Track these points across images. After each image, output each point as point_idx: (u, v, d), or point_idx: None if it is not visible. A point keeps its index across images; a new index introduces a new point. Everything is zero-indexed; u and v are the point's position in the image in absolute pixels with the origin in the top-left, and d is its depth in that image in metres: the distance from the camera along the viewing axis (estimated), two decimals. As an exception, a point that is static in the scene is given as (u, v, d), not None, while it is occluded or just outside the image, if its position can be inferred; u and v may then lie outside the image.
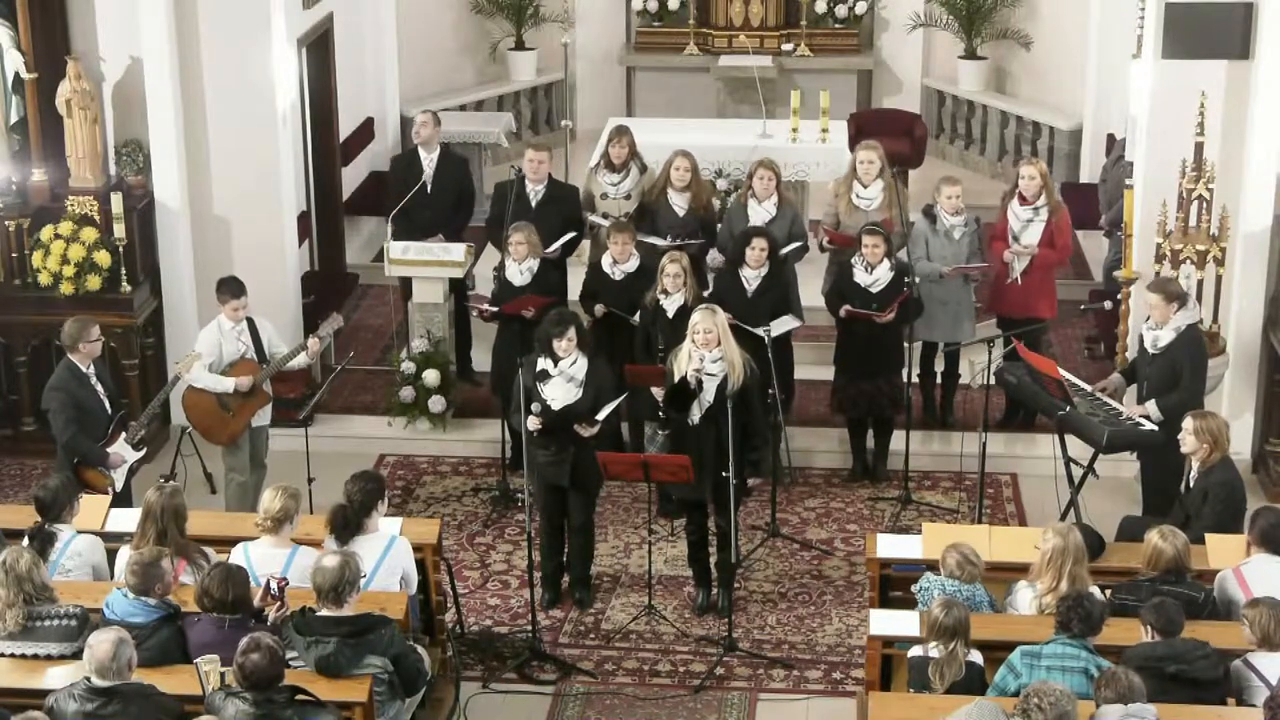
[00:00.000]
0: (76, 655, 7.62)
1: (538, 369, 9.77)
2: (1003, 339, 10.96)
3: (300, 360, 10.74)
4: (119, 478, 10.11)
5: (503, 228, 11.54)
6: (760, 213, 11.79)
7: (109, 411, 10.16)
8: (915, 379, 11.75)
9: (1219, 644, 7.63)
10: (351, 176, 15.04)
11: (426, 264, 12.09)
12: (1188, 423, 9.26)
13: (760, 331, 10.81)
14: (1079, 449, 10.37)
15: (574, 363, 9.77)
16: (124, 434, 10.16)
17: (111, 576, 8.64)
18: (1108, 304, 12.55)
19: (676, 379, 9.69)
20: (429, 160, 12.52)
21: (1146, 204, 11.22)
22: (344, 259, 14.67)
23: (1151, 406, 10.14)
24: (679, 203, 12.01)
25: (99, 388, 10.11)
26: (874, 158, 12.02)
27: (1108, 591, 8.21)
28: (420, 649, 8.35)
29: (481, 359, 12.50)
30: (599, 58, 17.63)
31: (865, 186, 12.00)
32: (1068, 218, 11.89)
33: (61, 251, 11.59)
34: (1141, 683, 7.11)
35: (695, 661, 9.69)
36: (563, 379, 9.75)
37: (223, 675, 7.38)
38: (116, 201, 11.49)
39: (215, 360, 10.46)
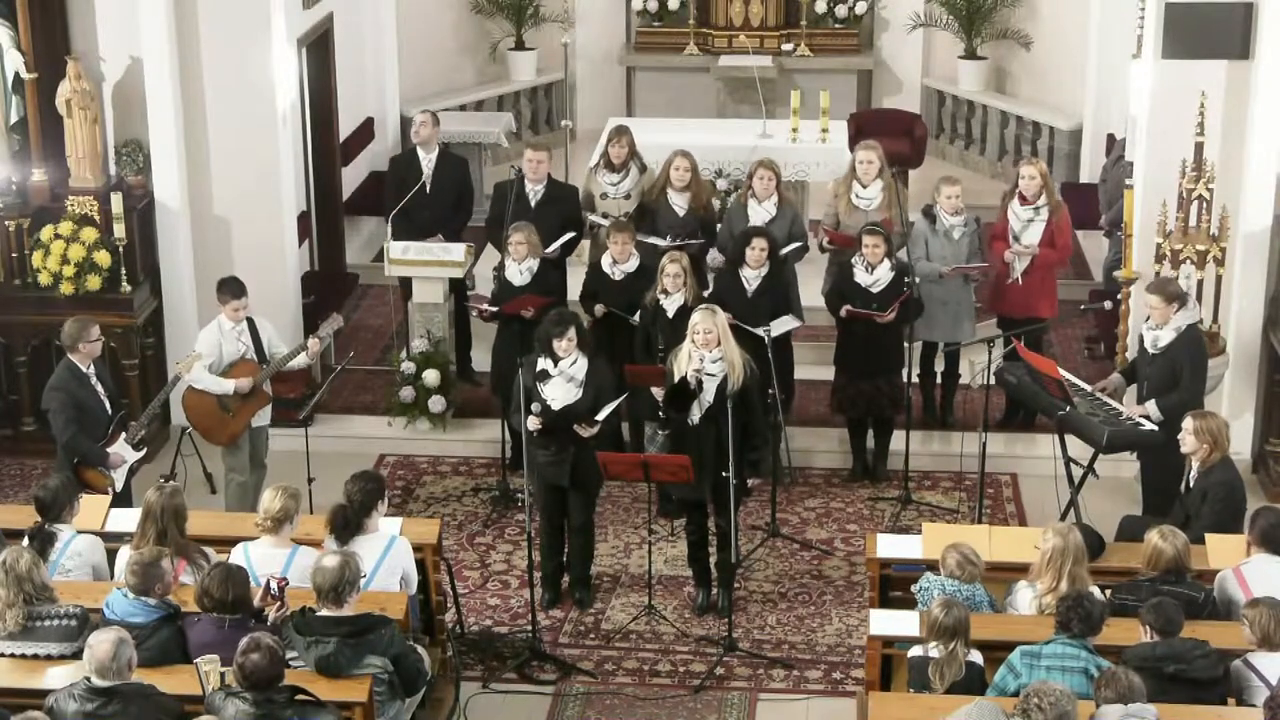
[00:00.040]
0: (76, 655, 7.62)
1: (538, 369, 9.77)
2: (1003, 339, 10.97)
3: (300, 360, 10.74)
4: (119, 478, 10.11)
5: (502, 228, 11.54)
6: (760, 213, 11.80)
7: (109, 411, 10.16)
8: (915, 379, 11.75)
9: (1219, 644, 7.63)
10: (351, 176, 15.04)
11: (426, 264, 12.09)
12: (1188, 423, 9.26)
13: (760, 331, 10.81)
14: (1079, 449, 10.37)
15: (574, 363, 9.77)
16: (124, 434, 10.16)
17: (111, 576, 8.64)
18: (1108, 304, 12.54)
19: (676, 379, 9.69)
20: (428, 160, 12.52)
21: (1146, 204, 11.22)
22: (344, 259, 14.67)
23: (1151, 406, 10.14)
24: (679, 203, 12.01)
25: (99, 388, 10.11)
26: (873, 158, 12.02)
27: (1108, 591, 8.20)
28: (420, 649, 8.35)
29: (481, 359, 12.50)
30: (599, 58, 17.63)
31: (865, 186, 12.00)
32: (1068, 217, 11.89)
33: (61, 251, 11.59)
34: (1141, 683, 7.11)
35: (695, 661, 9.69)
36: (563, 379, 9.75)
37: (223, 675, 7.38)
38: (116, 201, 11.49)
39: (215, 360, 10.46)
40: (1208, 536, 8.84)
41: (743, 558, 10.45)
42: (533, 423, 9.68)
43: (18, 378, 11.91)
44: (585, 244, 12.50)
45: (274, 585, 7.91)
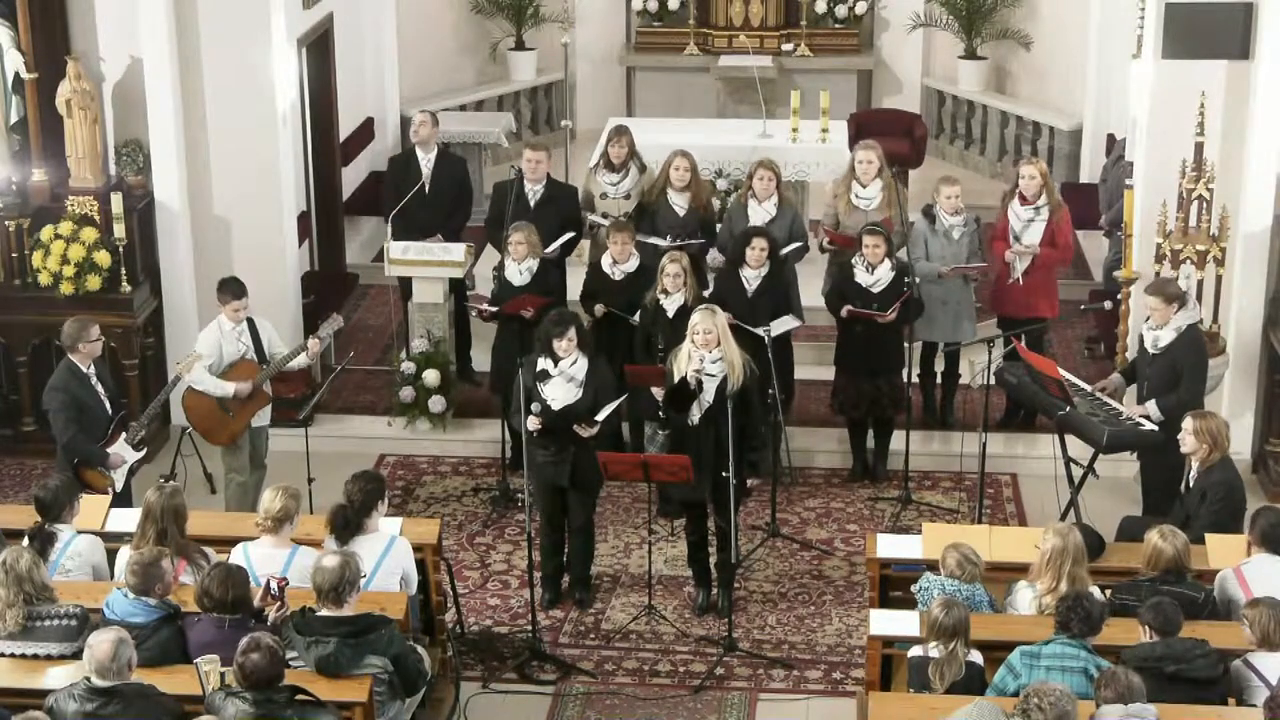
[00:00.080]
0: (76, 655, 7.62)
1: (538, 369, 9.77)
2: (1003, 339, 10.97)
3: (300, 361, 10.74)
4: (119, 478, 10.11)
5: (502, 228, 11.54)
6: (760, 213, 11.80)
7: (109, 412, 10.16)
8: (915, 379, 11.75)
9: (1219, 644, 7.63)
10: (351, 176, 15.04)
11: (426, 264, 12.08)
12: (1188, 423, 9.26)
13: (760, 331, 10.81)
14: (1079, 449, 10.37)
15: (574, 363, 9.77)
16: (124, 434, 10.16)
17: (111, 576, 8.64)
18: (1108, 304, 12.55)
19: (676, 379, 9.69)
20: (426, 160, 12.51)
21: (1146, 204, 11.22)
22: (344, 259, 14.67)
23: (1151, 406, 10.14)
24: (679, 203, 12.01)
25: (99, 388, 10.11)
26: (872, 157, 12.02)
27: (1108, 591, 8.21)
28: (420, 649, 8.35)
29: (481, 359, 12.50)
30: (599, 58, 17.64)
31: (864, 186, 12.00)
32: (1068, 217, 11.89)
33: (61, 251, 11.59)
34: (1141, 682, 7.11)
35: (695, 661, 9.69)
36: (563, 379, 9.75)
37: (223, 675, 7.38)
38: (116, 201, 11.49)
39: (215, 361, 10.46)
40: (1208, 536, 8.84)
41: (743, 558, 10.45)
42: (533, 423, 9.68)
43: (18, 378, 11.90)
44: (585, 244, 12.50)
45: (274, 585, 7.91)
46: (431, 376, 12.01)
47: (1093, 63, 15.63)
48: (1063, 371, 10.41)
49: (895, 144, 14.89)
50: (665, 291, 10.81)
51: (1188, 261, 10.99)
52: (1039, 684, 6.93)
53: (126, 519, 9.01)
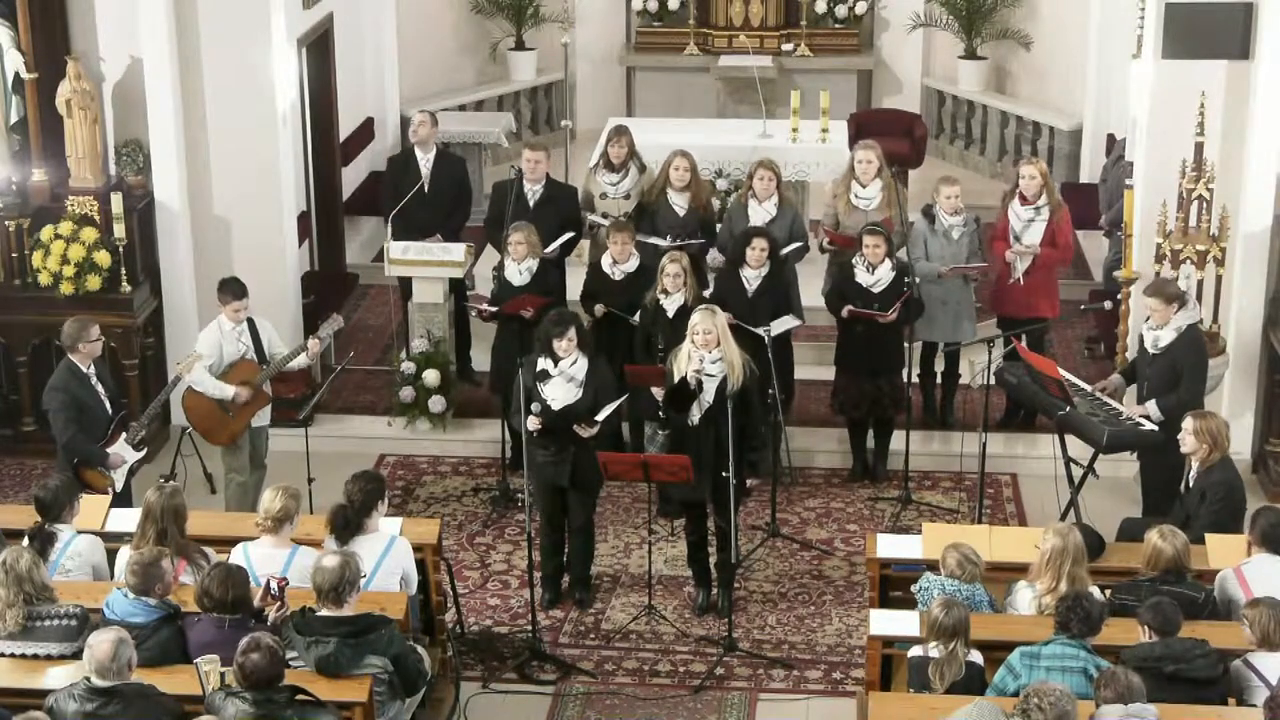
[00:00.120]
0: (76, 655, 7.62)
1: (538, 369, 9.77)
2: (1002, 339, 10.97)
3: (300, 361, 10.74)
4: (119, 478, 10.11)
5: (501, 228, 11.54)
6: (761, 213, 11.79)
7: (109, 412, 10.16)
8: (915, 379, 11.75)
9: (1219, 644, 7.63)
10: (351, 176, 15.04)
11: (426, 264, 12.08)
12: (1188, 423, 9.26)
13: (760, 331, 10.81)
14: (1079, 449, 10.37)
15: (574, 363, 9.77)
16: (124, 434, 10.16)
17: (111, 576, 8.64)
18: (1108, 304, 12.55)
19: (676, 379, 9.69)
20: (425, 160, 12.52)
21: (1146, 204, 11.22)
22: (344, 259, 14.67)
23: (1151, 406, 10.14)
24: (679, 203, 12.01)
25: (99, 388, 10.11)
26: (871, 157, 12.02)
27: (1107, 591, 8.21)
28: (420, 649, 8.35)
29: (481, 359, 12.50)
30: (599, 58, 17.64)
31: (864, 186, 12.00)
32: (1069, 217, 11.89)
33: (61, 251, 11.59)
34: (1141, 682, 7.11)
35: (695, 661, 9.69)
36: (563, 379, 9.75)
37: (223, 675, 7.38)
38: (116, 201, 11.49)
39: (216, 361, 10.46)
40: (1208, 536, 8.84)
41: (743, 558, 10.45)
42: (532, 423, 9.68)
43: (18, 378, 11.90)
44: (585, 244, 12.50)
45: (274, 585, 7.91)
46: (431, 376, 12.01)
47: (1093, 63, 15.63)
48: (1063, 371, 10.42)
49: (895, 144, 14.89)
50: (665, 291, 10.81)
51: (1188, 261, 10.99)
52: (1039, 684, 6.93)
53: (126, 519, 9.01)
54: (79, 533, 8.74)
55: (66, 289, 11.61)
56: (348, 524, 8.50)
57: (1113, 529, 9.56)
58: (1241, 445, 11.32)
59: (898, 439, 11.48)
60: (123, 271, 11.65)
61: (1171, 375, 10.17)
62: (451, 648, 9.31)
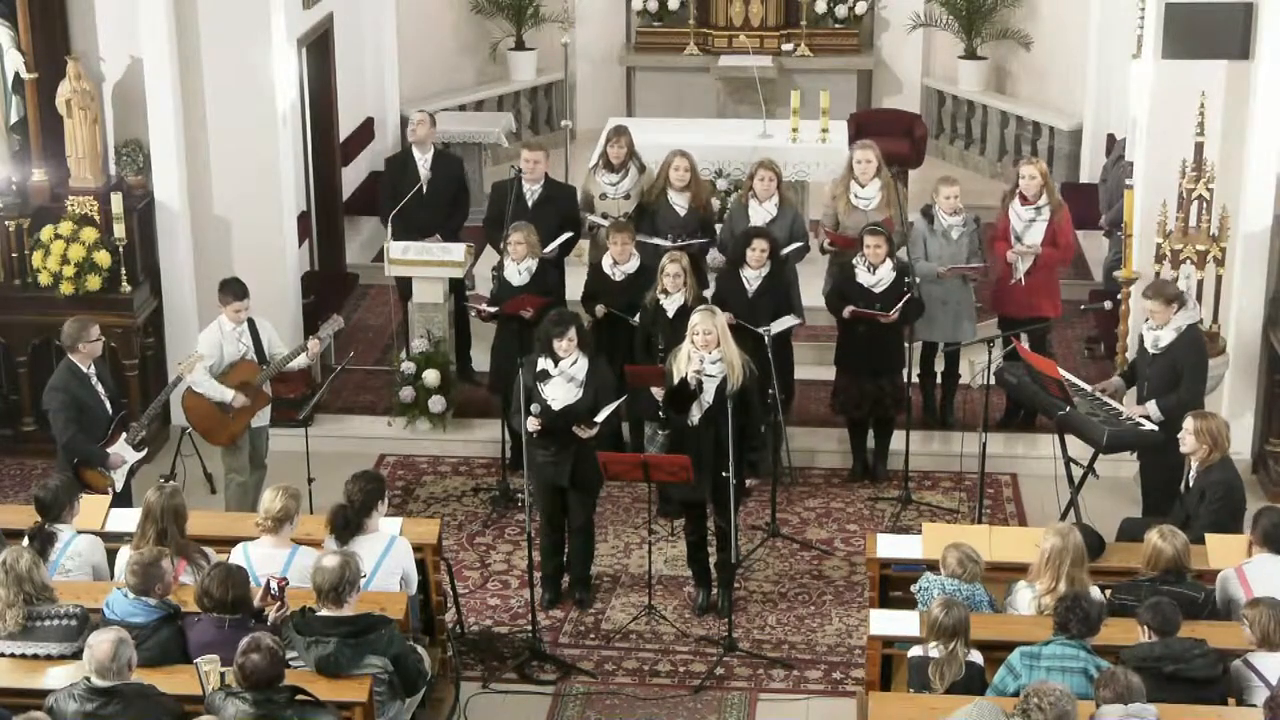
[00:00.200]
0: (76, 655, 7.62)
1: (538, 369, 9.77)
2: (1002, 339, 10.97)
3: (300, 361, 10.74)
4: (119, 478, 10.11)
5: (500, 228, 11.54)
6: (761, 213, 11.79)
7: (109, 412, 10.16)
8: (915, 379, 11.75)
9: (1219, 644, 7.63)
10: (351, 176, 15.04)
11: (426, 264, 12.09)
12: (1188, 423, 9.26)
13: (760, 330, 10.81)
14: (1079, 449, 10.38)
15: (574, 363, 9.77)
16: (124, 434, 10.16)
17: (111, 576, 8.64)
18: (1108, 304, 12.56)
19: (676, 380, 9.69)
20: (424, 160, 12.52)
21: (1146, 204, 11.22)
22: (344, 259, 14.67)
23: (1151, 406, 10.14)
24: (679, 203, 12.00)
25: (99, 388, 10.11)
26: (870, 157, 12.02)
27: (1107, 591, 8.21)
28: (420, 649, 8.35)
29: (481, 359, 12.50)
30: (599, 58, 17.64)
31: (863, 186, 12.00)
32: (1069, 217, 11.89)
33: (61, 251, 11.59)
34: (1141, 682, 7.11)
35: (695, 661, 9.69)
36: (563, 379, 9.74)
37: (223, 675, 7.38)
38: (116, 201, 11.49)
39: (216, 361, 10.46)
40: (1208, 536, 8.84)
41: (743, 558, 10.45)
42: (532, 423, 9.68)
43: (18, 378, 11.90)
44: (585, 244, 12.50)
45: (274, 585, 7.91)
46: (431, 376, 12.01)
47: (1093, 63, 15.63)
48: (1063, 371, 10.42)
49: (895, 144, 14.88)
50: (665, 292, 10.81)
51: (1188, 261, 10.99)
52: (1039, 684, 6.93)
53: (126, 519, 9.01)
54: (79, 533, 8.74)
55: (66, 289, 11.61)
56: (348, 524, 8.50)
57: (1113, 529, 9.56)
58: (1241, 445, 11.32)
59: (898, 439, 11.48)
60: (123, 271, 11.65)
61: (1171, 375, 10.17)
62: (451, 648, 9.31)
